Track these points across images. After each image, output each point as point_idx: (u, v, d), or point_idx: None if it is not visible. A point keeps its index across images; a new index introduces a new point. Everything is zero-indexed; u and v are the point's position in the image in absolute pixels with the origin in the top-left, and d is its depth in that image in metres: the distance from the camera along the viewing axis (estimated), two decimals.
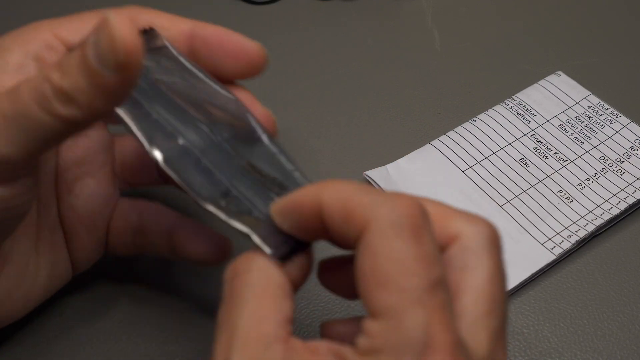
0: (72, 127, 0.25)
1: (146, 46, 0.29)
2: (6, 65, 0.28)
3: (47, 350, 0.34)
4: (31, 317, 0.35)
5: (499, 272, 0.24)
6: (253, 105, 0.31)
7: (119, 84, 0.24)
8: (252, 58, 0.31)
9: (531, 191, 0.40)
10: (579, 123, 0.44)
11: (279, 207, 0.25)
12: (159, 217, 0.33)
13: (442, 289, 0.22)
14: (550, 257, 0.37)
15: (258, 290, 0.24)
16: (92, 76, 0.23)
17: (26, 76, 0.27)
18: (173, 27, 0.31)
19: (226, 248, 0.32)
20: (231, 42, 0.31)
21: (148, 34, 0.30)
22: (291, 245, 0.25)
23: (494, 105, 0.45)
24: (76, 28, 0.29)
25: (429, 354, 0.20)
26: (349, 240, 0.23)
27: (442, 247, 0.24)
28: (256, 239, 0.25)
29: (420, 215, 0.22)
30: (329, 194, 0.23)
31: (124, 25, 0.23)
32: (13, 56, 0.28)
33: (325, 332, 0.27)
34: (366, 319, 0.22)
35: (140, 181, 0.35)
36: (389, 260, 0.21)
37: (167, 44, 0.30)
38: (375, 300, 0.21)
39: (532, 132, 0.43)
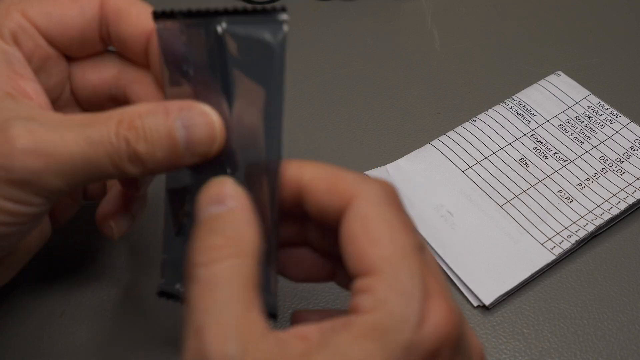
0: (120, 178, 0.27)
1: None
2: None
3: (47, 350, 0.34)
4: (31, 317, 0.35)
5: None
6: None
7: (190, 163, 0.26)
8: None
9: (531, 191, 0.40)
10: (579, 123, 0.44)
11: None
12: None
13: (424, 250, 0.24)
14: (550, 257, 0.37)
15: (242, 280, 0.23)
16: (173, 153, 0.26)
17: (12, 62, 0.28)
18: (138, 24, 0.29)
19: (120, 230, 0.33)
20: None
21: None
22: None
23: (494, 105, 0.45)
24: (47, 10, 0.29)
25: (430, 300, 0.22)
26: (330, 210, 0.24)
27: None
28: None
29: (397, 192, 0.25)
30: (311, 170, 0.25)
31: (221, 124, 0.26)
32: None
33: (298, 320, 0.28)
34: (360, 280, 0.23)
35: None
36: (381, 222, 0.23)
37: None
38: (368, 256, 0.23)
39: (532, 132, 0.43)
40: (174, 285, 0.29)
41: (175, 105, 0.26)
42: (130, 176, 0.27)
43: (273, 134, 0.25)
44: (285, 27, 0.24)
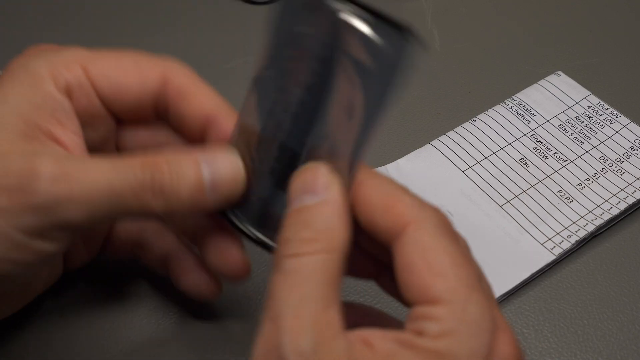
0: (143, 216, 0.27)
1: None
2: (40, 95, 0.28)
3: (47, 349, 0.34)
4: (31, 317, 0.35)
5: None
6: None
7: (213, 208, 0.27)
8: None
9: (531, 191, 0.40)
10: (579, 123, 0.44)
11: None
12: (157, 239, 0.34)
13: (485, 280, 0.25)
14: (550, 257, 0.37)
15: (326, 276, 0.23)
16: (196, 192, 0.26)
17: (57, 110, 0.28)
18: (200, 107, 0.29)
19: (217, 286, 0.33)
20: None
21: None
22: None
23: (493, 105, 0.45)
24: (109, 72, 0.29)
25: (498, 332, 0.23)
26: (382, 229, 0.24)
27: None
28: None
29: (450, 222, 0.25)
30: (371, 180, 0.25)
31: (242, 167, 0.27)
32: (48, 88, 0.28)
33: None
34: (422, 307, 0.23)
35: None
36: (442, 253, 0.23)
37: None
38: (433, 287, 0.23)
39: (532, 132, 0.43)
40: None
41: (200, 150, 0.27)
42: (153, 214, 0.27)
43: (366, 136, 0.25)
44: (412, 50, 0.24)
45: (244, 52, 0.50)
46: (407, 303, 0.24)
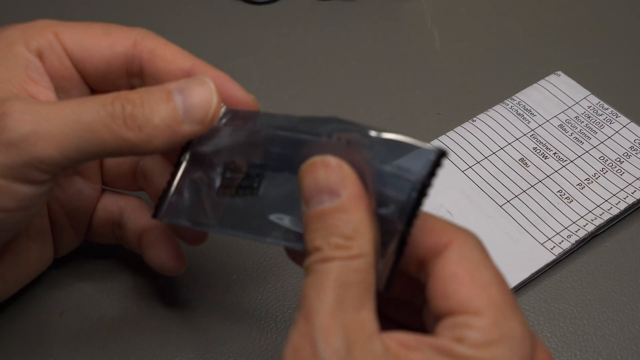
0: (122, 150, 0.27)
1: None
2: (12, 57, 0.29)
3: (47, 350, 0.34)
4: (31, 316, 0.35)
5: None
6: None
7: (190, 135, 0.27)
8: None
9: (531, 191, 0.40)
10: (579, 123, 0.44)
11: None
12: (136, 215, 0.34)
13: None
14: (550, 257, 0.37)
15: (358, 278, 0.23)
16: (170, 119, 0.27)
17: (29, 68, 0.29)
18: (175, 62, 0.30)
19: (180, 262, 0.33)
20: (226, 91, 0.30)
21: None
22: None
23: (493, 105, 0.45)
24: (79, 37, 0.30)
25: (538, 348, 0.24)
26: (422, 248, 0.25)
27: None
28: None
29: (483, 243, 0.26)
30: None
31: (218, 91, 0.28)
32: (19, 49, 0.29)
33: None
34: (461, 317, 0.23)
35: (119, 186, 0.36)
36: (486, 270, 0.24)
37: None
38: (477, 299, 0.23)
39: (532, 132, 0.43)
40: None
41: (172, 82, 0.28)
42: (130, 148, 0.27)
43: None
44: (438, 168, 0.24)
45: (244, 52, 0.50)
46: (438, 314, 0.24)
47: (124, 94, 0.27)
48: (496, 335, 0.23)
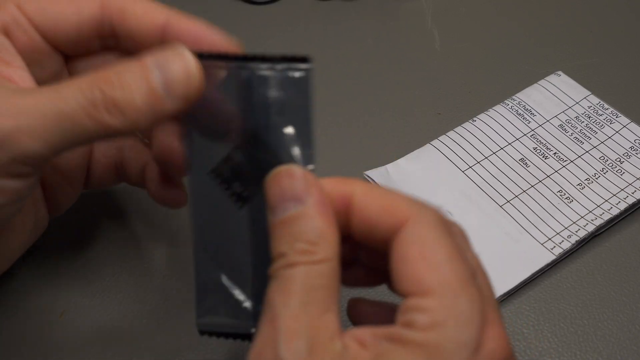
0: (107, 135, 0.26)
1: None
2: None
3: (47, 350, 0.34)
4: (31, 317, 0.35)
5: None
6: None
7: (175, 111, 0.26)
8: None
9: (531, 191, 0.40)
10: (579, 123, 0.44)
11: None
12: (136, 153, 0.34)
13: (482, 276, 0.25)
14: (550, 257, 0.37)
15: (323, 281, 0.23)
16: (151, 98, 0.25)
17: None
18: (146, 16, 0.29)
19: (184, 197, 0.33)
20: (207, 40, 0.29)
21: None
22: None
23: (494, 105, 0.45)
24: (43, 7, 0.29)
25: (487, 327, 0.23)
26: (380, 228, 0.24)
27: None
28: None
29: (447, 219, 0.25)
30: (363, 187, 0.25)
31: (196, 61, 0.26)
32: None
33: (353, 311, 0.28)
34: (414, 299, 0.23)
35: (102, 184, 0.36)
36: (438, 247, 0.23)
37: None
38: (427, 279, 0.23)
39: (532, 132, 0.43)
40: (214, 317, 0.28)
41: (150, 53, 0.26)
42: (115, 131, 0.26)
43: (307, 146, 0.26)
44: (310, 72, 0.26)
45: (243, 52, 0.50)
46: (402, 296, 0.24)
47: (100, 76, 0.26)
48: (441, 317, 0.22)
